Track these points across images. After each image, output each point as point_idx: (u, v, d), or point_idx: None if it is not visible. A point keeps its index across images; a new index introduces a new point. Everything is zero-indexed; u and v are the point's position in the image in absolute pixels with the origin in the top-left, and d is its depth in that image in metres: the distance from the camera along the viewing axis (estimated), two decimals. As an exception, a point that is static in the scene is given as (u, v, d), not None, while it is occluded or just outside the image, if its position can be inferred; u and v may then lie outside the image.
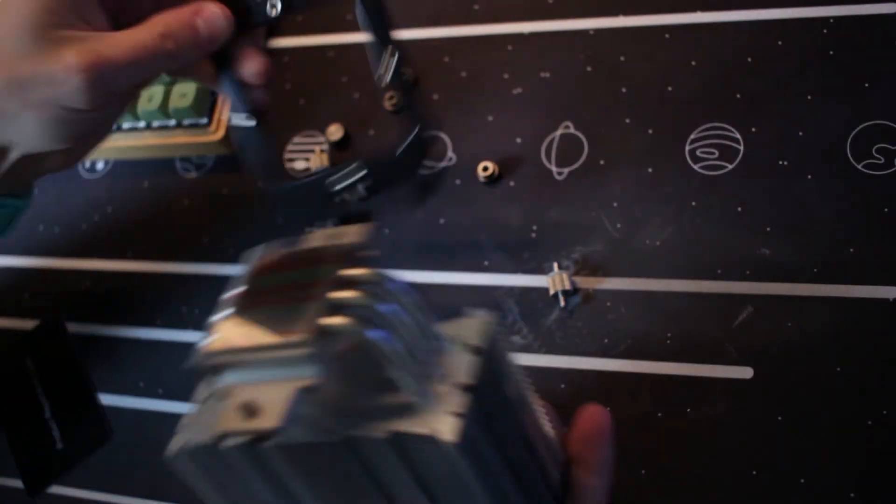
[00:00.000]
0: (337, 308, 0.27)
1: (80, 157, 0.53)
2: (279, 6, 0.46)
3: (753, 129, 0.54)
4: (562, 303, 0.54)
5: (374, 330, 0.28)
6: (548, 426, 0.37)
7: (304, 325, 0.27)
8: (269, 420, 0.26)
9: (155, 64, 0.47)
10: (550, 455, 0.36)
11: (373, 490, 0.30)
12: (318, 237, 0.30)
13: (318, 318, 0.27)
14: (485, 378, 0.30)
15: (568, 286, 0.53)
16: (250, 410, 0.26)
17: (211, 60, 0.50)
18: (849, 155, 0.52)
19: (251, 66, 0.49)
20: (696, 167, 0.54)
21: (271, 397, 0.26)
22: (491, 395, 0.31)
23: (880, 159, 0.51)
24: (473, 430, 0.29)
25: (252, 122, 0.51)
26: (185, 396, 0.59)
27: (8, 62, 0.45)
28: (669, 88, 0.56)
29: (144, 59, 0.46)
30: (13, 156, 0.49)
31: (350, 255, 0.29)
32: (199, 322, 0.61)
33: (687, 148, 0.55)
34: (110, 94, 0.47)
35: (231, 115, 0.51)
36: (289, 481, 0.30)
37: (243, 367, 0.27)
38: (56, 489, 0.60)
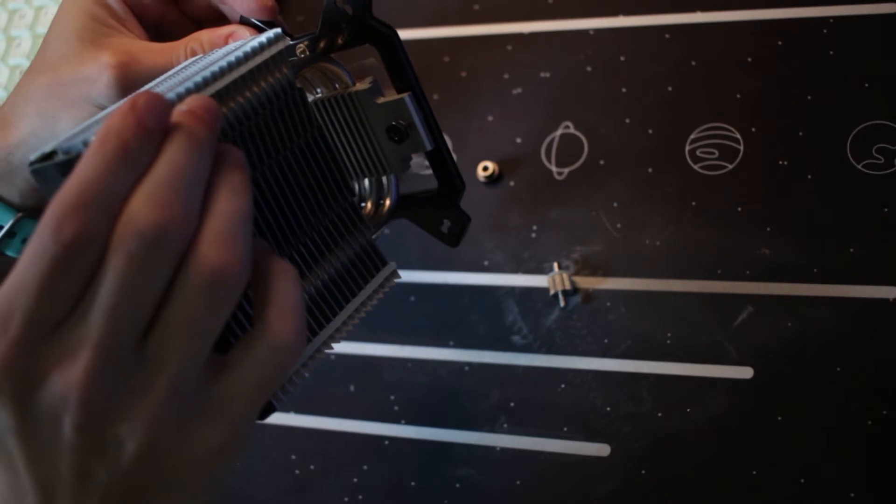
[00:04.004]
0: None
1: None
2: (307, 52, 0.48)
3: (753, 129, 0.54)
4: (562, 303, 0.54)
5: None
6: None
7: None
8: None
9: None
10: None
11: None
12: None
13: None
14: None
15: (568, 286, 0.53)
16: None
17: None
18: (849, 155, 0.52)
19: None
20: (696, 167, 0.54)
21: None
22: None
23: (880, 159, 0.51)
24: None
25: None
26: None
27: (54, 65, 0.47)
28: (669, 88, 0.56)
29: (173, 68, 0.47)
30: None
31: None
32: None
33: (687, 148, 0.55)
34: None
35: None
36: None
37: None
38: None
